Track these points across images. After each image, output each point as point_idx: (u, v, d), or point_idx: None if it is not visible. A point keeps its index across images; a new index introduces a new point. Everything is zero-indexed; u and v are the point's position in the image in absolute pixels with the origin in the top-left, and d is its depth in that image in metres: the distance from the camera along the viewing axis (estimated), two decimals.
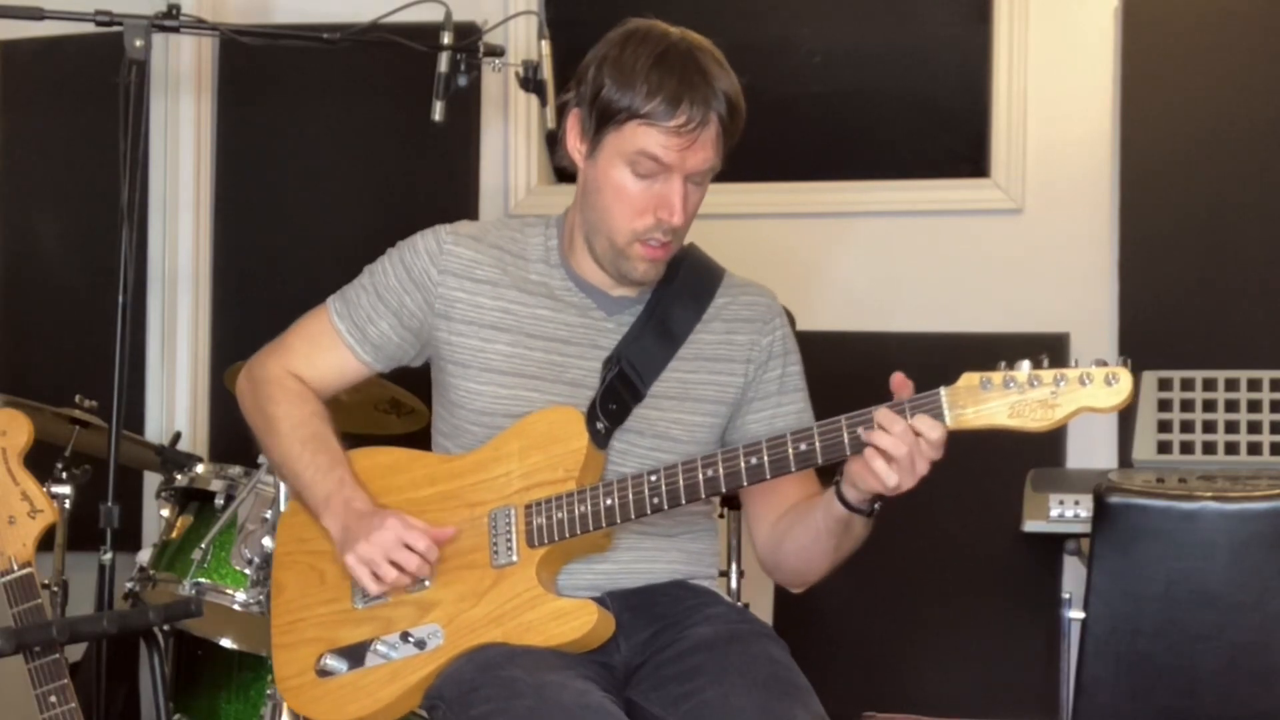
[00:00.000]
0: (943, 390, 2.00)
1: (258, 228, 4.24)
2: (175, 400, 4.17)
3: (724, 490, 2.13)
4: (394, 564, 2.17)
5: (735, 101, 2.17)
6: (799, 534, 2.24)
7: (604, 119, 2.17)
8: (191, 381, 4.19)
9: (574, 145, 2.25)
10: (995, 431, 1.99)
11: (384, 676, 2.21)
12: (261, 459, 3.01)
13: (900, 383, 2.03)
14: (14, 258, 4.29)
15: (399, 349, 2.35)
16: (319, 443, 2.30)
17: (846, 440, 2.04)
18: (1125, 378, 1.95)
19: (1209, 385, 3.54)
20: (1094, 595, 2.76)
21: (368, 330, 2.34)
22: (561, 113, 2.28)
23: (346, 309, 2.35)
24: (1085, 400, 1.96)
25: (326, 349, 2.36)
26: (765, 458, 2.08)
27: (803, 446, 2.06)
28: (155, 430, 4.10)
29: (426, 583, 2.23)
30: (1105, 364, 1.96)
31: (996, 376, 1.98)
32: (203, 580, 3.04)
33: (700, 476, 2.12)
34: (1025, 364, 1.98)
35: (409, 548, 2.17)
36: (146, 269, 4.12)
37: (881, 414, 2.00)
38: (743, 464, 2.09)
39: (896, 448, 1.98)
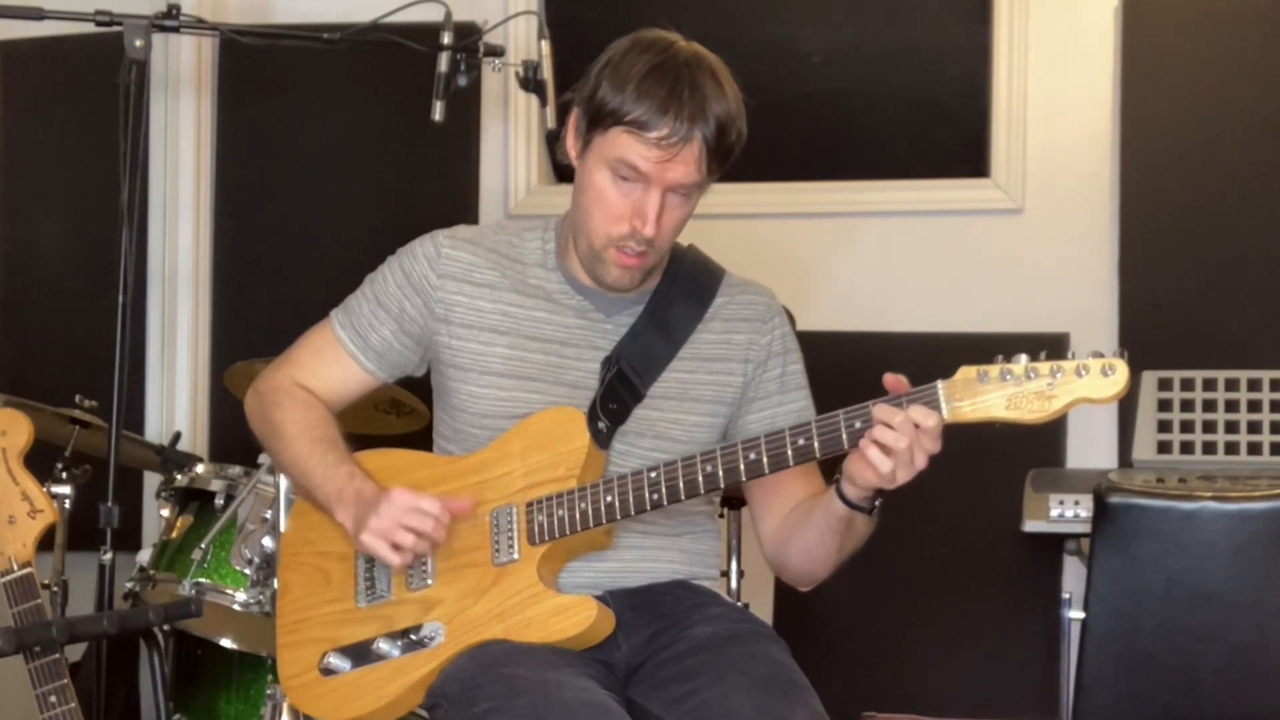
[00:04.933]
0: (940, 384, 2.00)
1: (258, 228, 4.24)
2: (175, 400, 4.17)
3: (723, 486, 2.13)
4: (409, 529, 2.14)
5: (727, 123, 2.14)
6: (803, 533, 2.24)
7: (594, 121, 2.18)
8: (191, 381, 4.19)
9: (571, 143, 2.25)
10: (993, 424, 1.99)
11: (386, 674, 2.21)
12: (262, 459, 3.02)
13: (893, 381, 2.03)
14: (14, 258, 4.29)
15: (401, 356, 2.35)
16: (328, 443, 2.29)
17: (844, 434, 2.04)
18: (1122, 368, 1.94)
19: (1209, 385, 3.55)
20: (1094, 595, 2.77)
21: (370, 338, 2.34)
22: (567, 110, 2.28)
23: (349, 319, 2.35)
24: (1082, 391, 1.95)
25: (330, 360, 2.36)
26: (764, 453, 2.08)
27: (800, 441, 2.06)
28: (155, 430, 4.10)
29: (429, 581, 2.23)
30: (1102, 355, 1.96)
31: (993, 369, 1.98)
32: (203, 580, 3.04)
33: (700, 473, 2.12)
34: (1022, 357, 1.98)
35: (421, 512, 2.14)
36: (146, 269, 4.12)
37: (880, 409, 2.00)
38: (741, 460, 2.10)
39: (897, 441, 1.98)
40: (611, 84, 2.15)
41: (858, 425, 2.03)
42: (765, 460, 2.08)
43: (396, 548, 2.15)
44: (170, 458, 3.33)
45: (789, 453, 2.07)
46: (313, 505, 2.33)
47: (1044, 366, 1.97)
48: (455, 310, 2.29)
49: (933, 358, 2.07)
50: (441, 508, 2.16)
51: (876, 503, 2.12)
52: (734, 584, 3.25)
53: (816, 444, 2.05)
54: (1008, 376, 1.97)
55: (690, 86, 2.12)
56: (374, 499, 2.19)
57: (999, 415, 1.98)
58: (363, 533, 2.17)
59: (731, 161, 2.20)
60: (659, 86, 2.12)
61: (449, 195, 4.10)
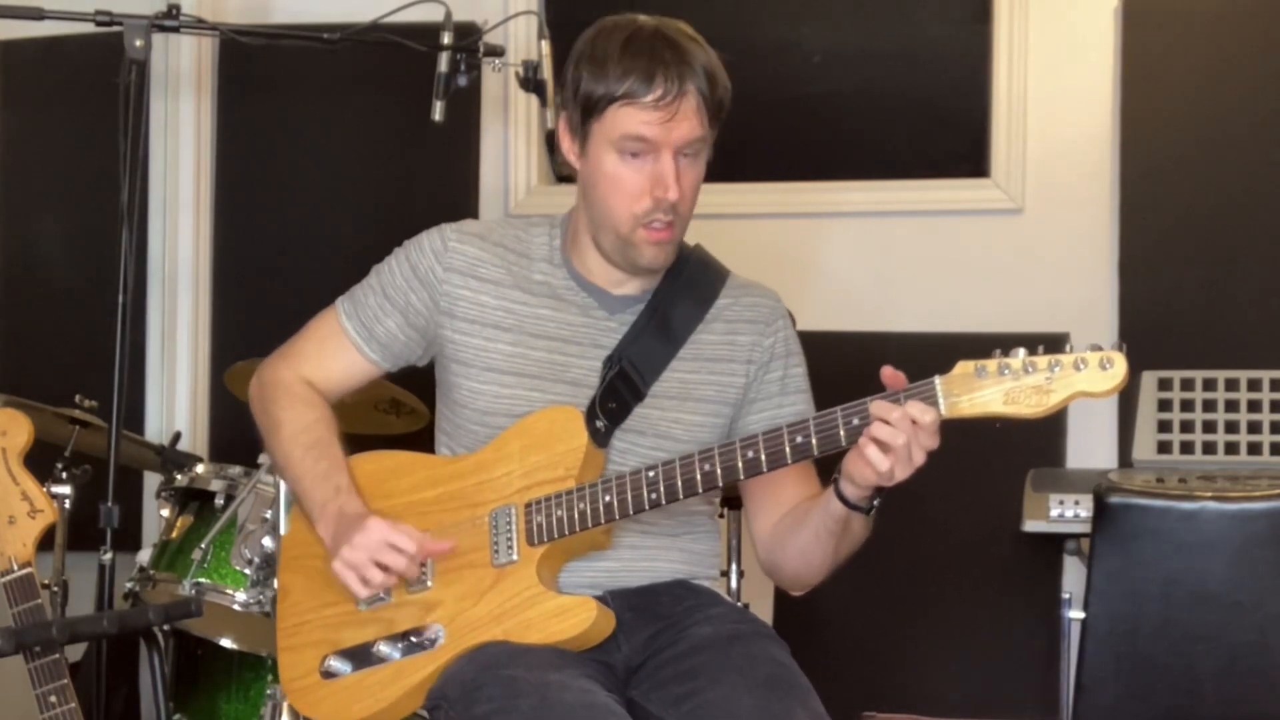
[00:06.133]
0: (937, 379, 2.00)
1: (258, 228, 4.24)
2: (175, 400, 4.18)
3: (721, 484, 2.13)
4: (381, 566, 2.16)
5: (713, 72, 2.17)
6: (799, 535, 2.23)
7: (587, 112, 2.18)
8: (191, 381, 4.19)
9: (568, 147, 2.26)
10: (991, 420, 1.98)
11: (387, 677, 2.21)
12: (262, 459, 3.02)
13: (891, 375, 2.02)
14: (14, 258, 4.29)
15: (405, 348, 2.35)
16: (320, 449, 2.30)
17: (842, 431, 2.03)
18: (1120, 362, 1.93)
19: (1209, 385, 3.55)
20: (1094, 595, 2.77)
21: (374, 329, 2.34)
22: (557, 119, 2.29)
23: (354, 309, 2.36)
24: (1080, 385, 1.94)
25: (334, 350, 2.37)
26: (762, 451, 2.08)
27: (799, 439, 2.06)
28: (155, 430, 4.10)
29: (429, 583, 2.23)
30: (1100, 349, 1.94)
31: (991, 364, 1.97)
32: (203, 580, 3.04)
33: (698, 472, 2.11)
34: (1020, 351, 1.97)
35: (396, 549, 2.16)
36: (146, 269, 4.13)
37: (877, 405, 2.00)
38: (739, 458, 2.09)
39: (895, 437, 1.97)
40: (591, 72, 2.16)
41: (855, 422, 2.02)
42: (763, 458, 2.08)
43: (365, 581, 2.17)
44: (170, 458, 3.33)
45: (787, 450, 2.07)
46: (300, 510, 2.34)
47: (1041, 361, 1.96)
48: (459, 305, 2.29)
49: (932, 358, 2.07)
50: (418, 547, 2.17)
51: (875, 503, 2.12)
52: (734, 584, 3.25)
53: (814, 441, 2.05)
54: (1005, 371, 1.97)
55: (668, 47, 2.15)
56: (352, 520, 2.19)
57: (997, 410, 1.97)
58: (335, 560, 2.19)
59: (725, 115, 2.21)
60: (637, 57, 2.14)
61: (449, 195, 4.10)
